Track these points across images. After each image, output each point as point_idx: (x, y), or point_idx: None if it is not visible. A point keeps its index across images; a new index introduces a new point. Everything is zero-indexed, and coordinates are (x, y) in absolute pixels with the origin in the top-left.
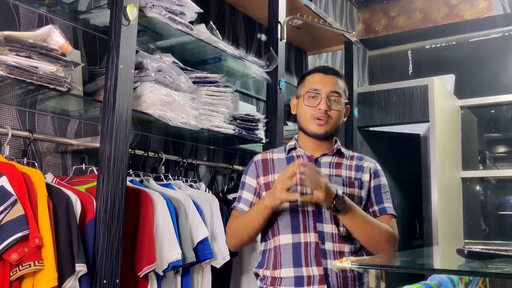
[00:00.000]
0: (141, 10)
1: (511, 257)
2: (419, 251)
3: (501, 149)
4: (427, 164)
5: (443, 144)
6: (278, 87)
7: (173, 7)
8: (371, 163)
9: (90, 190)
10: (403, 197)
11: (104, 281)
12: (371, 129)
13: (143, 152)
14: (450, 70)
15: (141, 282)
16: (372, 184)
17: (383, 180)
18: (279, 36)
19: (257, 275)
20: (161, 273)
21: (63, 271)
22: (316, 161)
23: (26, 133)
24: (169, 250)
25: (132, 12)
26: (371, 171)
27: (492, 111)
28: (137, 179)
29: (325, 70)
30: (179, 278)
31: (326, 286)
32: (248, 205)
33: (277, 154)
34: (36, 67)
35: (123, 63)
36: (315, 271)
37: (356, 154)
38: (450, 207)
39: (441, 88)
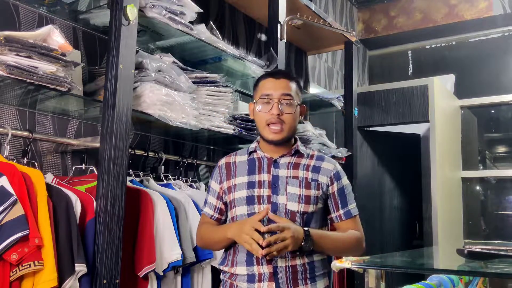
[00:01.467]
0: (141, 10)
1: (511, 257)
2: (419, 251)
3: (501, 149)
4: (427, 164)
5: (443, 144)
6: None
7: (173, 7)
8: (330, 164)
9: (90, 190)
10: (403, 197)
11: (104, 281)
12: (371, 129)
13: (143, 152)
14: (450, 70)
15: (141, 282)
16: (335, 188)
17: (345, 180)
18: (279, 36)
19: (220, 269)
20: (161, 273)
21: (63, 271)
22: (275, 162)
23: (26, 133)
24: (169, 250)
25: (132, 12)
26: (331, 174)
27: (492, 111)
28: (137, 179)
29: (276, 74)
30: (179, 278)
31: (274, 283)
32: (213, 209)
33: (240, 157)
34: (36, 67)
35: (123, 63)
36: (265, 269)
37: (316, 153)
38: (450, 207)
39: (441, 88)
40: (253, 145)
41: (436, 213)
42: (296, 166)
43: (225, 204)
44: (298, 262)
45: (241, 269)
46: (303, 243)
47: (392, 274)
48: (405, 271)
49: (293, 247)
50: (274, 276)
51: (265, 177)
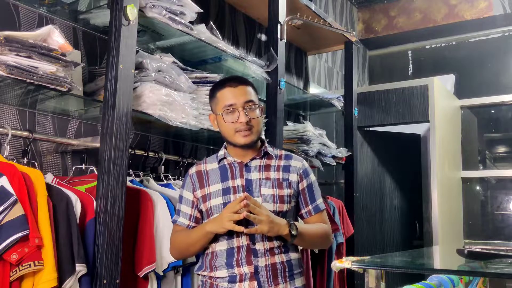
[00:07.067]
0: (141, 10)
1: (511, 257)
2: (419, 251)
3: (501, 149)
4: (427, 164)
5: (443, 144)
6: (278, 87)
7: (173, 7)
8: (298, 162)
9: (90, 190)
10: (403, 197)
11: (104, 281)
12: (371, 129)
13: (143, 152)
14: (450, 70)
15: (141, 282)
16: (304, 185)
17: (312, 177)
18: (279, 36)
19: (198, 274)
20: (161, 273)
21: (63, 271)
22: (246, 166)
23: (26, 133)
24: (169, 250)
25: (132, 12)
26: (300, 171)
27: (492, 111)
28: (137, 179)
29: (233, 83)
30: (179, 278)
31: (256, 281)
32: (188, 218)
33: (210, 165)
34: (36, 67)
35: (123, 63)
36: (246, 269)
37: (284, 152)
38: (450, 207)
39: (441, 88)
40: (221, 152)
41: (436, 213)
42: (267, 168)
43: (200, 212)
44: (277, 260)
45: (222, 273)
46: (290, 229)
47: (392, 274)
48: (405, 271)
49: (268, 228)
50: (255, 275)
51: (239, 181)
